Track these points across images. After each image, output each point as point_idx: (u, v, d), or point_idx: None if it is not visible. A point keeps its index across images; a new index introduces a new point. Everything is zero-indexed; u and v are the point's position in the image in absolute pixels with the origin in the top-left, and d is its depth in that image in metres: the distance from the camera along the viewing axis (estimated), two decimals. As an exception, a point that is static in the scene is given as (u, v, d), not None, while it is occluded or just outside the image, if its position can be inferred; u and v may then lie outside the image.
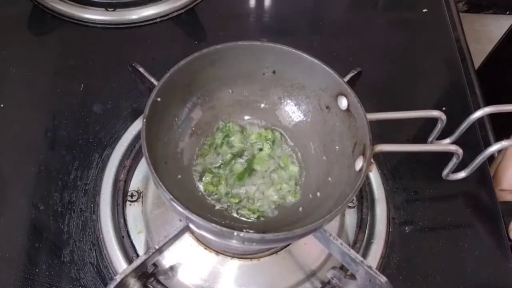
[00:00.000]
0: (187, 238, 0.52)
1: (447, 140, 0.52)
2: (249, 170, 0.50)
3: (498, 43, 1.07)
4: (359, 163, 0.43)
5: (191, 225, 0.41)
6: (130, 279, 0.44)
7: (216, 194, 0.48)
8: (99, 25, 0.71)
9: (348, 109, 0.46)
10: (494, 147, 0.46)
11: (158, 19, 0.73)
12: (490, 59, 1.10)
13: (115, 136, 0.60)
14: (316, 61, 0.46)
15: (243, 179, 0.49)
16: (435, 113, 0.47)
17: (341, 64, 0.56)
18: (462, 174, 0.50)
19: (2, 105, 0.62)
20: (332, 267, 0.51)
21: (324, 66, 0.46)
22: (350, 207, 0.57)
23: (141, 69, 0.52)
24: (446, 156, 0.48)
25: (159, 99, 0.43)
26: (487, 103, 0.67)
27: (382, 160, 0.61)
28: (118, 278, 0.42)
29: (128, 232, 0.53)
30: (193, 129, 0.50)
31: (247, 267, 0.52)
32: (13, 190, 0.56)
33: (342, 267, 0.50)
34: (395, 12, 0.79)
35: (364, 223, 0.55)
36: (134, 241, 0.53)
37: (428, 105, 0.68)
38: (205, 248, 0.52)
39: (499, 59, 1.07)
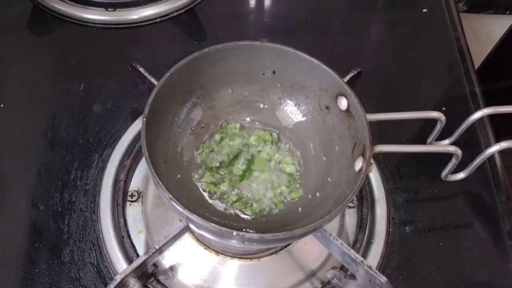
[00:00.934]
0: (187, 238, 0.52)
1: (447, 141, 0.53)
2: (249, 170, 0.50)
3: (498, 43, 1.07)
4: (358, 164, 0.43)
5: (191, 225, 0.41)
6: (130, 279, 0.44)
7: (216, 194, 0.48)
8: (99, 25, 0.71)
9: (348, 110, 0.46)
10: (494, 148, 0.46)
11: (158, 19, 0.73)
12: (490, 59, 1.09)
13: (115, 136, 0.60)
14: (316, 61, 0.46)
15: (243, 179, 0.49)
16: (434, 114, 0.47)
17: (341, 64, 0.56)
18: (461, 175, 0.50)
19: (2, 105, 0.62)
20: (332, 267, 0.51)
21: (324, 66, 0.46)
22: (350, 207, 0.57)
23: (141, 69, 0.52)
24: (446, 156, 0.48)
25: (159, 99, 0.43)
26: (487, 103, 0.67)
27: (382, 160, 0.61)
28: (118, 278, 0.42)
29: (128, 232, 0.53)
30: (193, 129, 0.50)
31: (247, 267, 0.52)
32: (13, 190, 0.56)
33: (342, 267, 0.51)
34: (395, 12, 0.80)
35: (364, 223, 0.55)
36: (134, 241, 0.53)
37: (428, 105, 0.68)
38: (205, 248, 0.52)
39: (499, 59, 1.07)
